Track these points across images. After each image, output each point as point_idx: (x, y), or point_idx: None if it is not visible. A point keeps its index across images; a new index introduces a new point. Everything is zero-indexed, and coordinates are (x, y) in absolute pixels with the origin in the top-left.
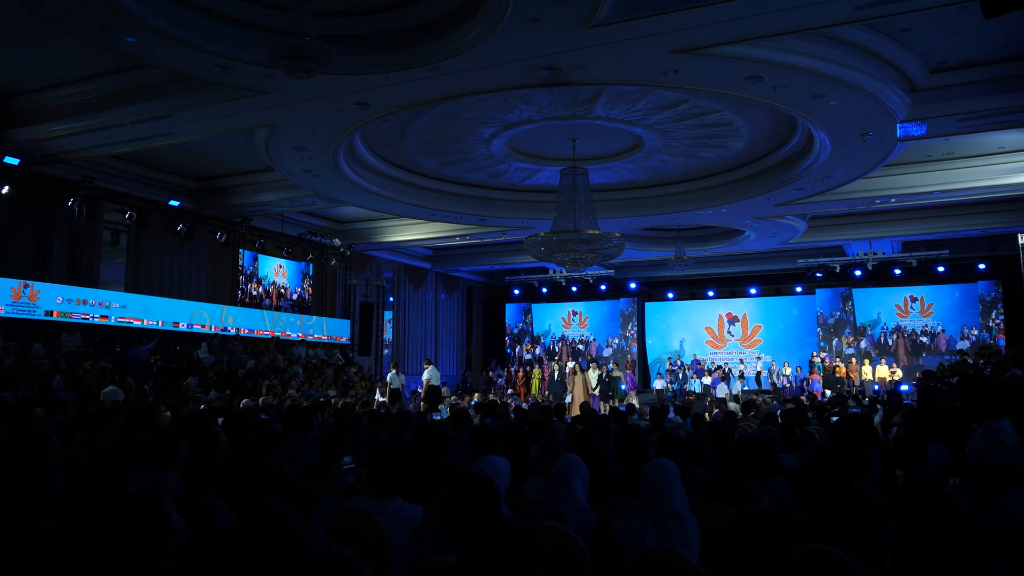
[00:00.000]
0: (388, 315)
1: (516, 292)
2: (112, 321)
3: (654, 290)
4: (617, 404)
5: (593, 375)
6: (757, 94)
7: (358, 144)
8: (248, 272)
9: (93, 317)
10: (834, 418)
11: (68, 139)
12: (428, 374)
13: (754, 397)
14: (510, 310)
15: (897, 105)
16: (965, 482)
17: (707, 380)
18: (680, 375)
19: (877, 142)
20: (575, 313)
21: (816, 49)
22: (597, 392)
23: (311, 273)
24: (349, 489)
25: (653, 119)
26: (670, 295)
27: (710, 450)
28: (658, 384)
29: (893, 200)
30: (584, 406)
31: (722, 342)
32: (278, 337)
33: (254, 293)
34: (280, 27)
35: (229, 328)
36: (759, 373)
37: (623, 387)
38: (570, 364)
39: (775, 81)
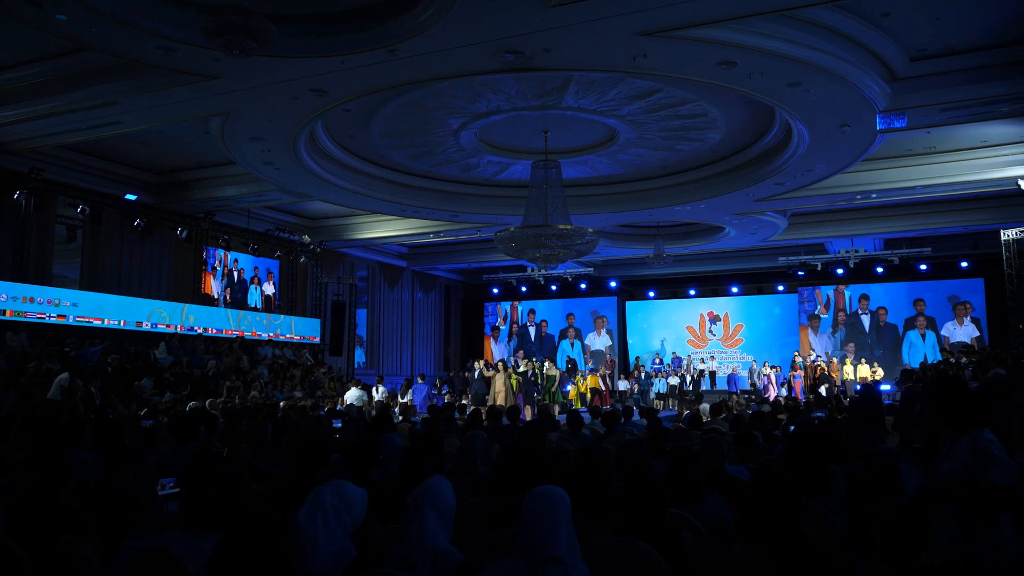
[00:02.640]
0: (363, 314)
1: (495, 291)
2: (71, 321)
3: (635, 289)
4: (554, 407)
5: (499, 377)
6: (731, 81)
7: (321, 135)
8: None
9: (50, 316)
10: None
11: (12, 127)
12: (348, 394)
13: (727, 397)
14: (489, 308)
15: (877, 94)
16: (947, 509)
17: (674, 380)
18: (642, 375)
19: (857, 134)
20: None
21: (792, 34)
22: (521, 392)
23: (279, 270)
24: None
25: (626, 109)
26: (651, 294)
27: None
28: (622, 385)
29: (874, 195)
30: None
31: (704, 341)
32: (242, 337)
33: (218, 292)
34: (220, 4)
35: (196, 328)
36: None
37: (567, 387)
38: (481, 362)
39: (749, 68)
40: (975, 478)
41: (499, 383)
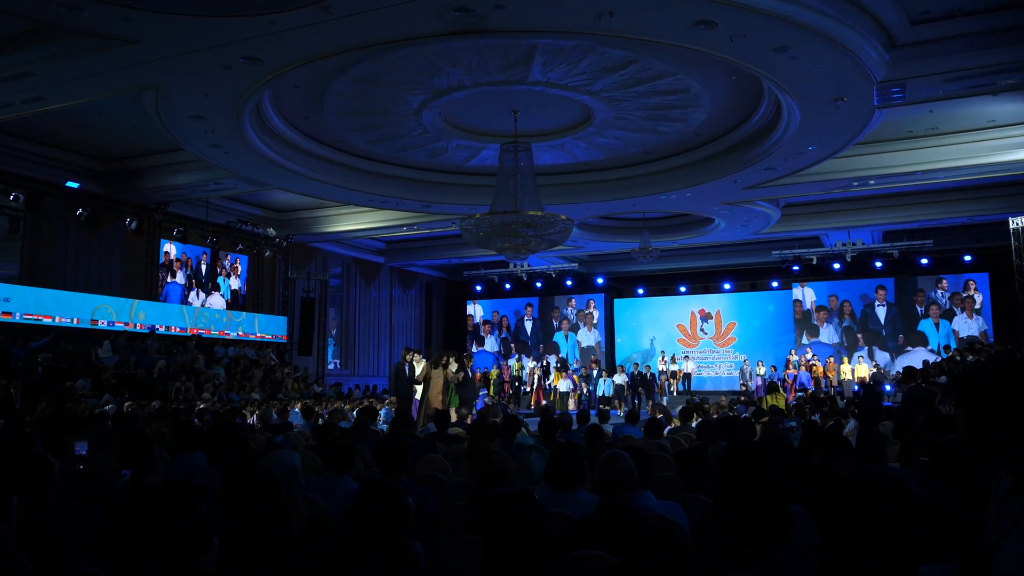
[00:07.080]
0: (337, 312)
1: (478, 288)
2: (18, 318)
3: (623, 285)
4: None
5: (438, 373)
6: (711, 46)
7: (271, 115)
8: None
9: None
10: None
11: None
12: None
13: (720, 399)
14: (474, 305)
15: (875, 62)
16: None
17: (619, 379)
18: (593, 374)
19: (852, 109)
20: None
21: None
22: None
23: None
24: None
25: (600, 85)
26: (640, 291)
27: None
28: (562, 386)
29: (872, 182)
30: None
31: (695, 340)
32: (199, 336)
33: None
34: None
35: (157, 327)
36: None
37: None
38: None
39: (731, 29)
40: None
41: (433, 382)
